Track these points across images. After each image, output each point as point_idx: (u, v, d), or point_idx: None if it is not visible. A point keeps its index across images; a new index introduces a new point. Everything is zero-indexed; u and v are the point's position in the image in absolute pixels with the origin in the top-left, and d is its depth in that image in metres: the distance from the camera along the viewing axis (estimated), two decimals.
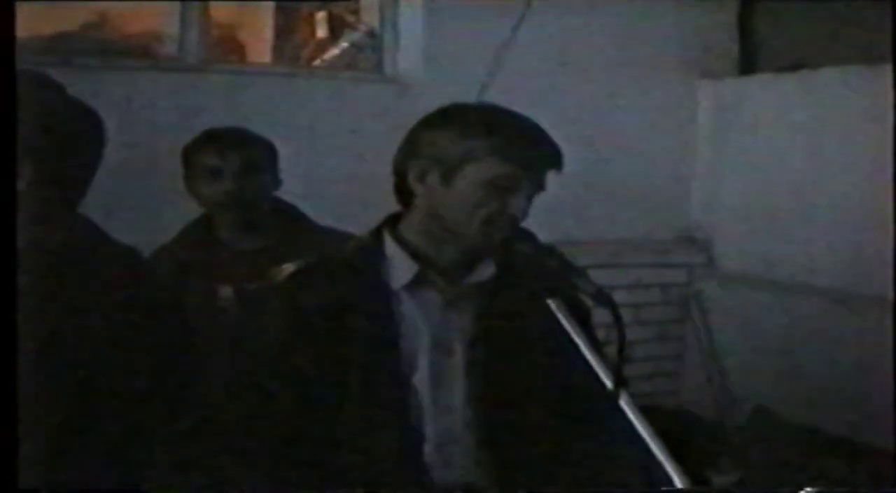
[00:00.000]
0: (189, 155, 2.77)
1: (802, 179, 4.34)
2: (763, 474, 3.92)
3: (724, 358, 4.69)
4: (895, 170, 3.22)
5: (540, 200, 4.34)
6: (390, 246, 1.89)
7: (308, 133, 4.08)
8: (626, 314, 4.67)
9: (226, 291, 2.70)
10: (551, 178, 4.42)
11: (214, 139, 2.76)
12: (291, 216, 2.88)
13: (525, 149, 1.79)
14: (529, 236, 1.82)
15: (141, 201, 3.50)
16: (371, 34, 4.55)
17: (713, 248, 4.90)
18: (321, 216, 3.00)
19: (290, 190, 3.88)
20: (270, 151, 2.84)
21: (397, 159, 1.90)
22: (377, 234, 1.93)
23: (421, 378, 1.83)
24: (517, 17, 4.32)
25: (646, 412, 4.58)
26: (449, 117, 1.86)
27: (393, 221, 1.94)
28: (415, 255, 1.87)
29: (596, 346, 1.69)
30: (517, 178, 1.78)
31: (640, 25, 4.70)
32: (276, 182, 2.84)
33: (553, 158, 1.85)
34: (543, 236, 4.52)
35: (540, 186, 1.85)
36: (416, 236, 1.88)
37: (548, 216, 4.40)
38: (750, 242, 4.68)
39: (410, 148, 1.86)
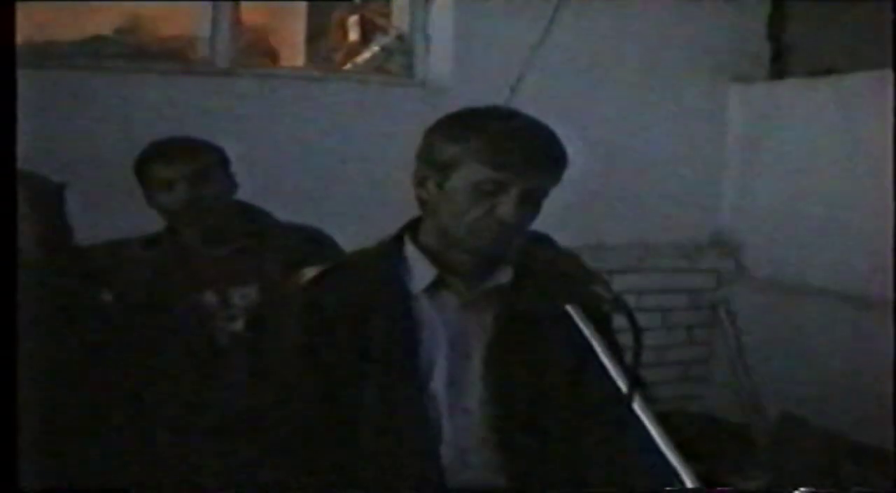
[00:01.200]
0: (141, 169, 2.79)
1: (833, 183, 4.32)
2: (789, 479, 3.91)
3: (751, 363, 4.67)
4: (895, 171, 3.20)
5: (570, 204, 4.39)
6: (410, 250, 1.91)
7: (338, 137, 4.10)
8: (654, 319, 4.73)
9: (209, 297, 2.72)
10: (582, 181, 4.45)
11: (162, 151, 2.77)
12: (254, 217, 2.88)
13: (511, 153, 1.77)
14: (547, 241, 1.86)
15: None
16: (401, 38, 4.57)
17: (742, 253, 4.88)
18: (351, 219, 3.02)
19: (320, 192, 3.93)
20: (221, 157, 2.83)
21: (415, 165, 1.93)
22: (398, 238, 1.95)
23: (439, 381, 1.85)
24: (547, 21, 4.32)
25: (673, 416, 4.58)
26: (447, 123, 1.88)
27: (414, 226, 1.96)
28: (433, 259, 1.88)
29: (614, 350, 1.70)
30: (503, 182, 1.78)
31: (671, 30, 4.69)
32: (231, 189, 2.83)
33: (545, 161, 1.83)
34: (573, 240, 4.54)
35: (538, 190, 1.83)
36: (434, 241, 1.89)
37: (577, 220, 4.48)
38: (779, 248, 4.66)
39: (417, 152, 1.89)
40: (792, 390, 4.36)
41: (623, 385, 1.63)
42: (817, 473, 3.89)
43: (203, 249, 2.79)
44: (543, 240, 1.86)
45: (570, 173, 4.32)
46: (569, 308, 1.73)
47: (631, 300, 4.74)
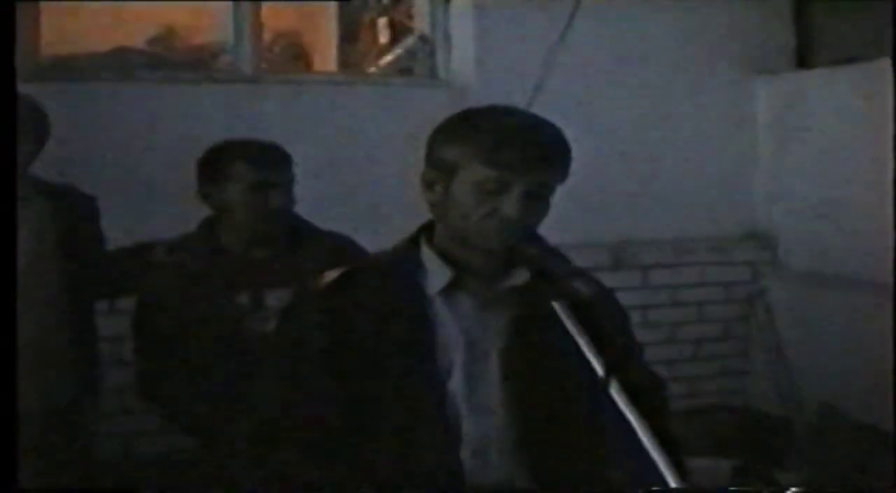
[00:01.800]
0: (206, 167, 2.80)
1: (865, 172, 4.27)
2: (828, 472, 3.88)
3: (789, 356, 4.63)
4: (895, 170, 3.17)
5: (602, 201, 4.38)
6: (426, 252, 1.91)
7: (362, 139, 4.10)
8: (689, 313, 4.70)
9: (242, 298, 2.73)
10: (615, 177, 4.45)
11: (253, 153, 2.78)
12: (292, 222, 2.88)
13: (510, 151, 1.77)
14: (535, 239, 1.83)
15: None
16: (423, 40, 4.57)
17: (777, 245, 4.85)
18: (376, 221, 3.02)
19: (345, 195, 3.93)
20: (289, 164, 2.85)
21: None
22: (414, 240, 1.95)
23: (457, 382, 1.86)
24: (567, 18, 4.31)
25: (711, 410, 4.56)
26: (448, 125, 1.87)
27: (429, 228, 1.96)
28: (448, 261, 1.88)
29: (598, 339, 1.69)
30: (504, 181, 1.78)
31: (696, 22, 4.68)
32: (293, 196, 2.85)
33: (546, 158, 1.81)
34: (606, 237, 4.54)
35: (542, 186, 1.81)
36: (448, 243, 1.89)
37: (610, 217, 4.47)
38: (814, 239, 4.62)
39: (425, 155, 1.89)
40: (830, 383, 4.33)
41: (599, 369, 1.65)
42: (854, 465, 3.86)
43: (243, 251, 2.79)
44: (531, 239, 1.82)
45: (601, 171, 4.35)
46: (555, 305, 1.74)
47: (666, 295, 4.77)
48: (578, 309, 1.73)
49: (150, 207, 3.45)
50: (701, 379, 4.73)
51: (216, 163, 2.79)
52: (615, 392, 1.62)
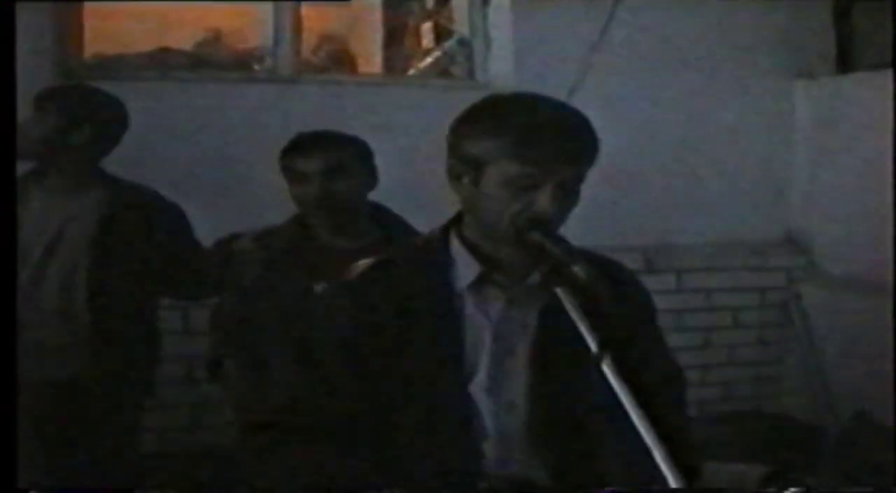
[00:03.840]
0: (281, 160, 2.86)
1: None
2: (862, 479, 3.85)
3: (824, 362, 4.61)
4: (895, 171, 3.15)
5: (637, 204, 4.37)
6: (455, 245, 1.88)
7: (400, 140, 4.12)
8: (724, 318, 4.68)
9: (320, 288, 2.75)
10: (651, 180, 4.44)
11: (299, 143, 2.85)
12: (388, 219, 2.94)
13: (540, 146, 1.73)
14: (540, 226, 1.78)
15: (240, 212, 3.56)
16: (462, 42, 4.58)
17: (813, 250, 4.83)
18: (417, 222, 3.04)
19: (386, 197, 3.95)
20: (361, 153, 2.90)
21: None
22: (444, 232, 1.92)
23: (482, 377, 1.85)
24: (605, 20, 4.31)
25: (745, 416, 4.53)
26: (473, 115, 1.84)
27: (459, 220, 1.93)
28: (478, 254, 1.86)
29: (596, 321, 1.71)
30: (536, 176, 1.74)
31: (735, 26, 4.66)
32: (370, 183, 2.90)
33: (577, 148, 1.77)
34: (640, 240, 4.52)
35: (573, 178, 1.78)
36: (477, 236, 1.87)
37: (645, 219, 4.46)
38: (851, 245, 4.60)
39: (448, 148, 1.86)
40: (865, 390, 4.30)
41: (593, 345, 1.67)
42: (889, 472, 3.83)
43: (332, 241, 2.84)
44: (536, 226, 1.78)
45: (637, 173, 4.35)
46: (558, 291, 1.75)
47: (701, 299, 4.75)
48: (578, 293, 1.73)
49: (191, 204, 3.48)
50: (735, 384, 4.71)
51: (280, 161, 2.87)
52: (608, 370, 1.62)
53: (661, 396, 1.66)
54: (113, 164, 3.14)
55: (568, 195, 1.78)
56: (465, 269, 1.86)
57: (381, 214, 2.95)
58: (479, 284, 1.86)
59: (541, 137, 1.74)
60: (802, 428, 4.55)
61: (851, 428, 4.27)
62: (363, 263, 1.95)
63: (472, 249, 1.87)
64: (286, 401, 2.05)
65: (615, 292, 1.70)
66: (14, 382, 1.85)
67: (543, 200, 1.75)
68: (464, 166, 1.81)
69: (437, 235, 1.93)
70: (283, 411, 2.00)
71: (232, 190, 3.78)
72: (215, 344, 2.93)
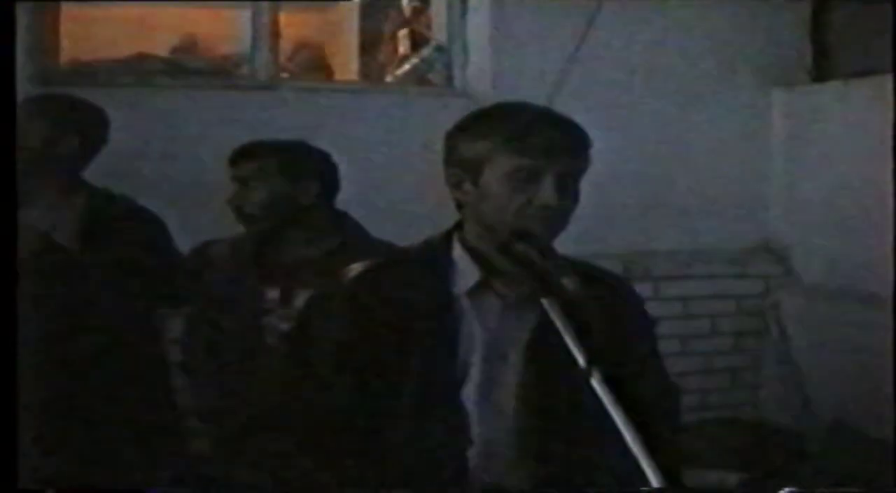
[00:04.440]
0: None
1: (880, 186, 4.26)
2: (841, 486, 3.86)
3: (801, 370, 4.61)
4: (895, 174, 3.16)
5: (614, 212, 4.38)
6: (457, 251, 1.91)
7: (379, 148, 4.11)
8: (702, 325, 4.68)
9: (272, 293, 2.77)
10: (628, 188, 4.45)
11: (238, 151, 2.89)
12: (349, 226, 2.94)
13: (535, 138, 1.78)
14: (529, 236, 1.80)
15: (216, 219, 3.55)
16: (440, 49, 4.58)
17: (791, 258, 4.84)
18: (393, 230, 3.03)
19: (362, 204, 3.94)
20: (310, 160, 2.92)
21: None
22: (447, 237, 1.95)
23: (473, 383, 1.85)
24: (584, 28, 4.31)
25: (723, 423, 4.53)
26: (467, 123, 1.90)
27: (461, 227, 1.95)
28: (479, 261, 1.88)
29: (584, 335, 1.70)
30: (535, 168, 1.78)
31: (711, 35, 4.67)
32: (319, 190, 2.89)
33: (569, 140, 1.82)
34: (618, 248, 4.53)
35: (572, 173, 1.83)
36: (478, 242, 1.89)
37: (622, 227, 4.46)
38: (828, 252, 4.61)
39: (444, 157, 1.90)
40: (843, 397, 4.31)
41: (580, 359, 1.66)
42: (867, 480, 3.84)
43: (289, 250, 2.86)
44: (525, 236, 1.80)
45: (614, 181, 4.36)
46: (544, 302, 1.75)
47: (678, 307, 4.75)
48: (565, 305, 1.73)
49: (167, 211, 3.46)
50: (712, 392, 4.71)
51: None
52: (596, 384, 1.62)
53: (651, 409, 1.64)
54: (90, 170, 3.13)
55: (569, 189, 1.82)
56: (466, 274, 1.88)
57: (341, 222, 2.94)
58: (478, 290, 1.88)
59: (536, 130, 1.79)
60: (780, 435, 4.55)
61: (831, 436, 4.27)
62: (359, 264, 1.95)
63: (474, 255, 1.89)
64: (245, 410, 2.05)
65: (604, 305, 1.70)
66: (14, 382, 1.85)
67: (546, 192, 1.78)
68: (462, 171, 1.85)
69: (439, 240, 1.95)
70: (268, 413, 2.00)
71: (208, 197, 3.75)
72: (185, 349, 2.97)
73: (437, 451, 1.83)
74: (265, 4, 4.22)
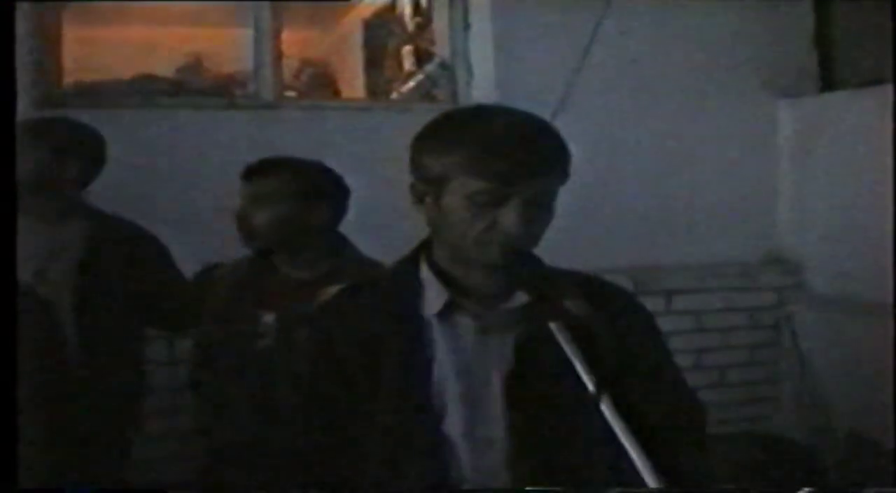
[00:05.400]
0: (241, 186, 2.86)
1: (889, 195, 4.23)
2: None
3: (816, 382, 4.58)
4: (895, 180, 3.14)
5: (624, 226, 4.35)
6: (424, 271, 1.77)
7: (384, 165, 4.08)
8: (714, 339, 4.64)
9: (268, 317, 2.74)
10: (637, 201, 4.41)
11: (249, 168, 2.84)
12: (345, 249, 2.90)
13: (501, 160, 1.61)
14: (530, 260, 1.71)
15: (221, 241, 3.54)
16: (444, 65, 4.57)
17: (803, 270, 4.80)
18: (398, 248, 3.00)
19: (368, 221, 3.93)
20: (327, 183, 2.87)
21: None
22: (414, 258, 1.81)
23: (454, 413, 1.72)
24: (587, 41, 4.30)
25: (738, 438, 4.49)
26: (428, 132, 1.74)
27: (428, 245, 1.81)
28: (447, 280, 1.75)
29: (593, 359, 1.60)
30: (500, 192, 1.63)
31: (717, 46, 4.65)
32: (313, 215, 2.84)
33: (541, 159, 1.64)
34: (628, 262, 4.50)
35: (542, 193, 1.67)
36: (445, 261, 1.76)
37: (632, 240, 4.44)
38: (839, 263, 4.57)
39: (410, 165, 1.76)
40: (858, 409, 4.27)
41: (590, 385, 1.57)
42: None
43: (288, 271, 2.82)
44: (526, 260, 1.70)
45: (623, 195, 4.33)
46: (552, 327, 1.63)
47: (691, 321, 4.71)
48: (573, 329, 1.62)
49: (171, 232, 3.45)
50: (726, 406, 4.67)
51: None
52: (606, 410, 1.54)
53: (668, 432, 1.56)
54: (93, 191, 3.12)
55: (537, 212, 1.67)
56: (434, 296, 1.75)
57: (338, 245, 2.90)
58: (448, 311, 1.75)
59: (502, 149, 1.62)
60: (796, 449, 4.52)
61: (846, 449, 4.24)
62: (326, 291, 1.87)
63: (441, 274, 1.76)
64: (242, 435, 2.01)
65: (613, 326, 1.60)
66: (14, 382, 1.84)
67: (508, 218, 1.63)
68: (425, 186, 1.71)
69: (406, 261, 1.82)
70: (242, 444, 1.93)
71: (213, 218, 3.74)
72: (190, 368, 2.95)
73: (415, 483, 1.70)
74: (268, 23, 4.20)
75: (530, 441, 1.72)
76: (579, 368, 1.58)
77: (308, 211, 2.81)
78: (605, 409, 1.54)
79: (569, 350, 1.60)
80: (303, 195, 2.80)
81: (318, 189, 2.84)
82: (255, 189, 2.79)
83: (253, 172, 2.82)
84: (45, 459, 2.87)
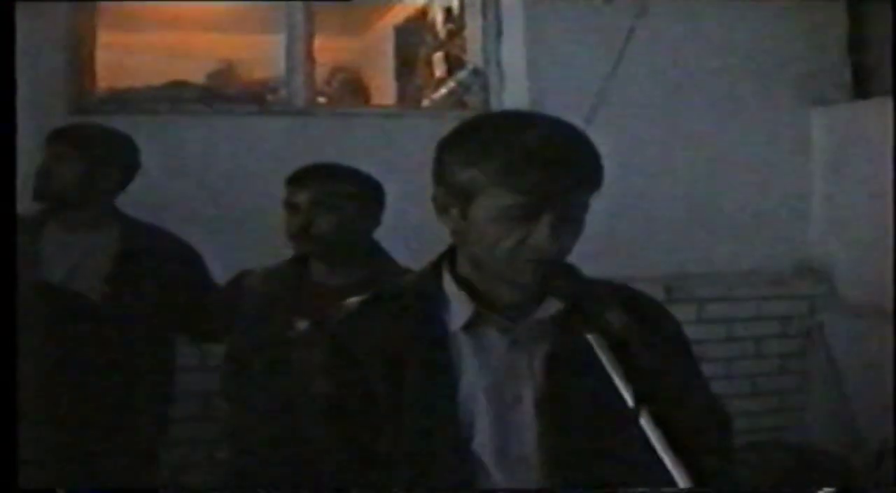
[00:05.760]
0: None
1: None
2: None
3: (847, 391, 4.54)
4: (895, 188, 3.12)
5: (656, 232, 4.34)
6: (448, 282, 1.70)
7: (417, 172, 4.08)
8: (746, 348, 4.62)
9: (301, 324, 2.72)
10: (669, 209, 4.40)
11: (296, 175, 2.82)
12: (377, 255, 2.88)
13: (536, 172, 1.53)
14: (568, 271, 1.62)
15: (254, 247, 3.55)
16: (476, 72, 4.57)
17: (834, 278, 4.77)
18: (427, 257, 3.01)
19: (400, 228, 3.93)
20: (358, 188, 2.83)
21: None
22: (436, 269, 1.74)
23: (484, 433, 1.64)
24: (619, 49, 4.29)
25: (769, 447, 4.46)
26: (457, 139, 1.66)
27: (452, 255, 1.73)
28: (472, 292, 1.67)
29: (631, 371, 1.53)
30: (531, 206, 1.55)
31: (749, 54, 4.64)
32: (364, 220, 2.83)
33: (577, 174, 1.57)
34: (659, 270, 4.49)
35: (575, 207, 1.60)
36: (470, 272, 1.68)
37: (664, 248, 4.42)
38: (871, 271, 4.53)
39: (433, 172, 1.67)
40: (889, 418, 4.23)
41: (629, 399, 1.50)
42: None
43: (324, 278, 2.80)
44: (563, 271, 1.61)
45: (654, 203, 4.31)
46: (590, 338, 1.55)
47: (722, 329, 4.70)
48: (611, 341, 1.54)
49: (203, 239, 3.46)
50: (758, 415, 4.64)
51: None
52: (645, 424, 1.46)
53: (695, 444, 1.47)
54: (127, 197, 3.14)
55: (569, 226, 1.61)
56: (459, 309, 1.67)
57: (374, 252, 2.88)
58: (473, 325, 1.67)
59: (535, 162, 1.54)
60: (827, 457, 4.48)
61: (879, 459, 4.21)
62: (347, 303, 1.80)
63: (466, 285, 1.68)
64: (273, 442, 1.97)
65: (650, 339, 1.53)
66: (14, 382, 1.83)
67: (540, 234, 1.56)
68: (451, 197, 1.63)
69: (429, 271, 1.75)
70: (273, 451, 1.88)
71: (245, 224, 3.75)
72: (224, 378, 2.94)
73: None
74: (300, 29, 4.22)
75: (565, 459, 1.66)
76: (617, 381, 1.51)
77: (365, 217, 2.82)
78: (645, 423, 1.47)
79: (607, 363, 1.53)
80: (363, 200, 2.81)
81: (376, 195, 2.85)
82: (315, 193, 2.75)
83: (310, 177, 2.79)
84: (67, 462, 2.89)
